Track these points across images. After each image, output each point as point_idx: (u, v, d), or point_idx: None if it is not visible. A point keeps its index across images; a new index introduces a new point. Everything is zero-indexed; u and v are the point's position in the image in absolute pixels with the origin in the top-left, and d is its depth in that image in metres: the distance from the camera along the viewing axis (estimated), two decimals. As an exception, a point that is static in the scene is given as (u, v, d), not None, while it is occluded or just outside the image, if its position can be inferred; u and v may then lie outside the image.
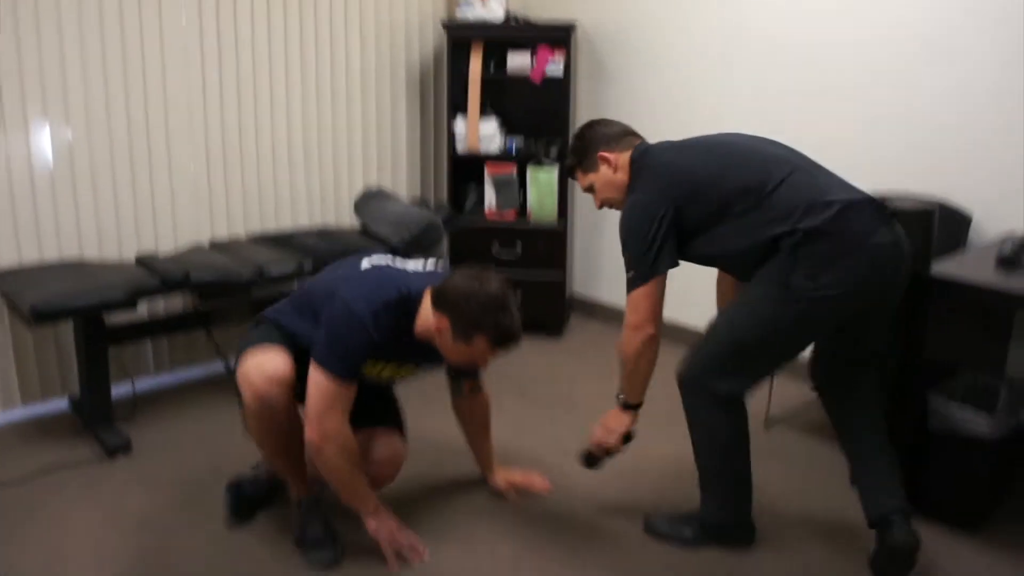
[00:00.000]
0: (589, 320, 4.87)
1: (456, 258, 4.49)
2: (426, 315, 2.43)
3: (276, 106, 4.06)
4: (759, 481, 2.72)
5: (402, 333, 2.46)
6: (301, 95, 4.14)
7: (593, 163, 2.68)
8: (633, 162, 2.62)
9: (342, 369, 2.37)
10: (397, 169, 4.57)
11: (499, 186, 4.40)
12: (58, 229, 3.50)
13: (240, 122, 3.95)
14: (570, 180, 4.44)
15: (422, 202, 4.23)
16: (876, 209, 2.38)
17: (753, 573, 2.58)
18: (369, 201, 4.06)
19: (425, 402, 3.20)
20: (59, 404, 3.61)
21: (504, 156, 4.46)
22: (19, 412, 3.53)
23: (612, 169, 2.65)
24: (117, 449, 3.21)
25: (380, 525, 2.58)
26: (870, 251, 2.33)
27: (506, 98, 4.60)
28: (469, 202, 4.52)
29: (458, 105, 4.44)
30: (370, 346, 2.39)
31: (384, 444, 2.67)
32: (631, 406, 2.68)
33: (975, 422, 2.70)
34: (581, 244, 4.85)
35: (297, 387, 2.47)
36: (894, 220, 2.42)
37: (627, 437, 2.75)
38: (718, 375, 2.49)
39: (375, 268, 2.53)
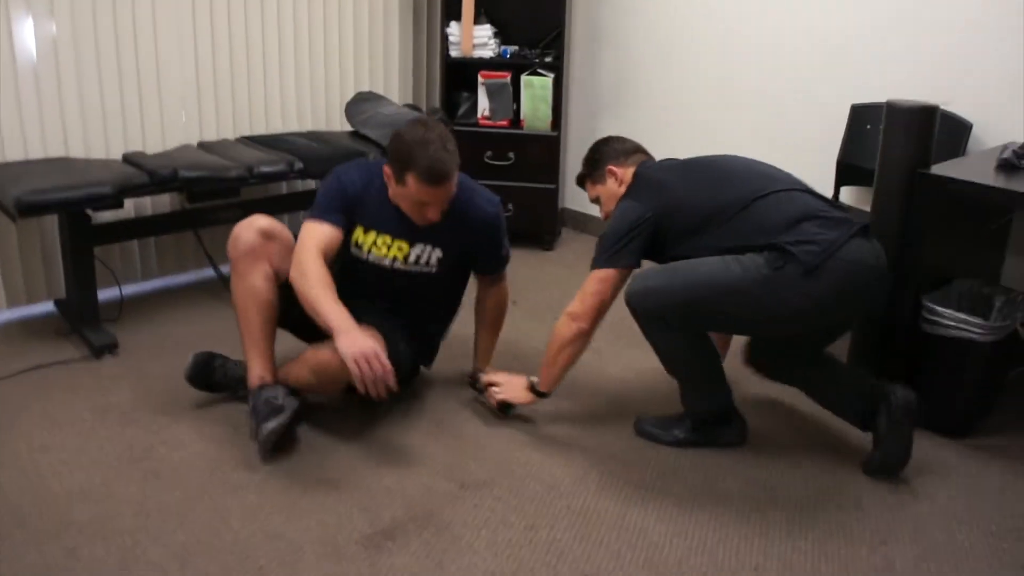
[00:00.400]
0: (580, 234, 4.84)
1: (448, 167, 4.42)
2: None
3: (267, 7, 3.95)
4: (746, 395, 2.74)
5: (376, 190, 2.71)
6: (291, -4, 4.04)
7: (602, 176, 2.81)
8: (635, 176, 2.74)
9: (313, 211, 2.67)
10: (389, 74, 4.48)
11: (492, 92, 4.32)
12: (43, 126, 3.41)
13: (230, 23, 3.85)
14: (564, 91, 4.39)
15: (414, 108, 4.16)
16: (861, 229, 2.47)
17: (745, 471, 2.60)
18: (360, 104, 3.99)
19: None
20: (45, 307, 3.57)
21: (498, 63, 4.37)
22: (3, 315, 3.50)
23: (618, 183, 2.77)
24: (104, 349, 3.19)
25: (347, 343, 2.38)
26: (851, 268, 2.41)
27: (501, 5, 4.49)
28: (462, 109, 4.44)
29: (452, 9, 4.34)
30: (340, 192, 2.70)
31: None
32: (540, 394, 2.75)
33: (970, 326, 2.69)
34: (574, 156, 4.79)
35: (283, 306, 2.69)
36: (874, 239, 2.53)
37: (507, 407, 2.84)
38: (667, 316, 2.50)
39: None
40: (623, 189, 2.74)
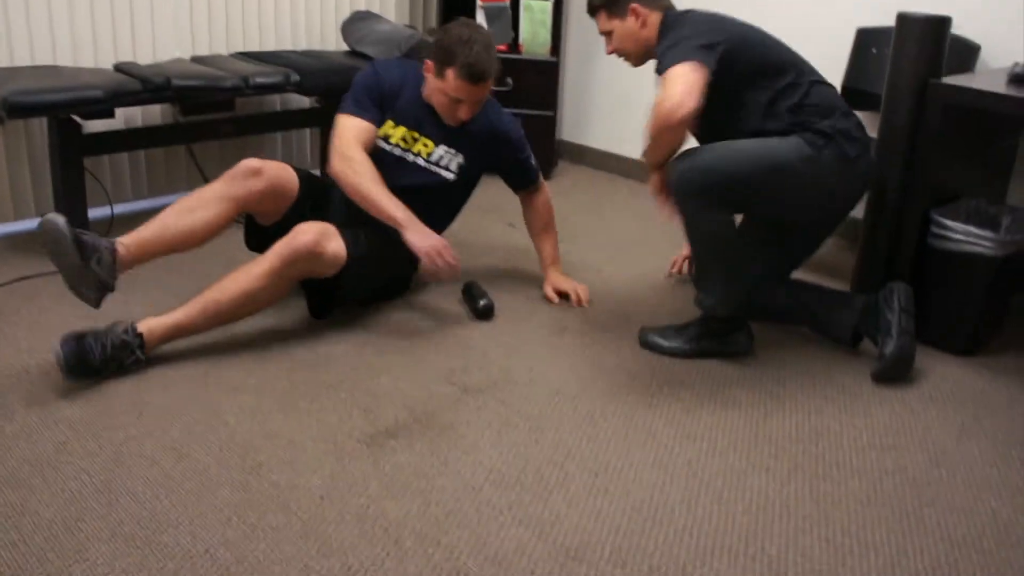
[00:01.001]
0: (576, 165, 4.77)
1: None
2: (426, 85, 2.78)
3: (259, -80, 3.84)
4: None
5: (410, 86, 2.80)
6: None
7: (623, 10, 2.65)
8: (666, 20, 2.61)
9: (350, 105, 2.73)
10: (385, -4, 4.38)
11: (491, 16, 4.23)
12: (30, 34, 3.30)
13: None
14: (563, 17, 4.31)
15: (411, 28, 4.06)
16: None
17: (753, 380, 2.57)
18: (357, 23, 3.90)
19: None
20: (32, 224, 3.48)
21: (497, -13, 4.28)
22: (-10, 230, 3.41)
23: (640, 24, 2.64)
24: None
25: (420, 238, 2.61)
26: (868, 167, 2.59)
27: (500, -72, 4.40)
28: (459, 34, 4.35)
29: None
30: (377, 85, 2.76)
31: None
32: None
33: (979, 239, 2.66)
34: (571, 85, 4.72)
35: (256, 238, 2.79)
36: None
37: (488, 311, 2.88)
38: (713, 193, 2.43)
39: None
40: (645, 32, 2.63)
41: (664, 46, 2.48)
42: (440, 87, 2.69)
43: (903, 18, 2.74)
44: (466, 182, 2.90)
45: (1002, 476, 2.17)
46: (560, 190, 4.30)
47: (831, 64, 3.60)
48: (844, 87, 3.56)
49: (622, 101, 4.52)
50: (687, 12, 2.63)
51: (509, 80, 4.24)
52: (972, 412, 2.47)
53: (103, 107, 2.99)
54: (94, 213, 3.34)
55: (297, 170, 2.76)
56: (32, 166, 3.42)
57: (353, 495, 1.97)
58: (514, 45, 4.36)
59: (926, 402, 2.50)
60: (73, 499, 1.91)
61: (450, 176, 2.82)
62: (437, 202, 2.86)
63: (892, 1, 3.42)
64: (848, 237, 3.66)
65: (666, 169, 2.49)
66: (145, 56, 3.60)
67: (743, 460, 2.19)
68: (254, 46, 3.92)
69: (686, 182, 2.42)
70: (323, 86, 3.51)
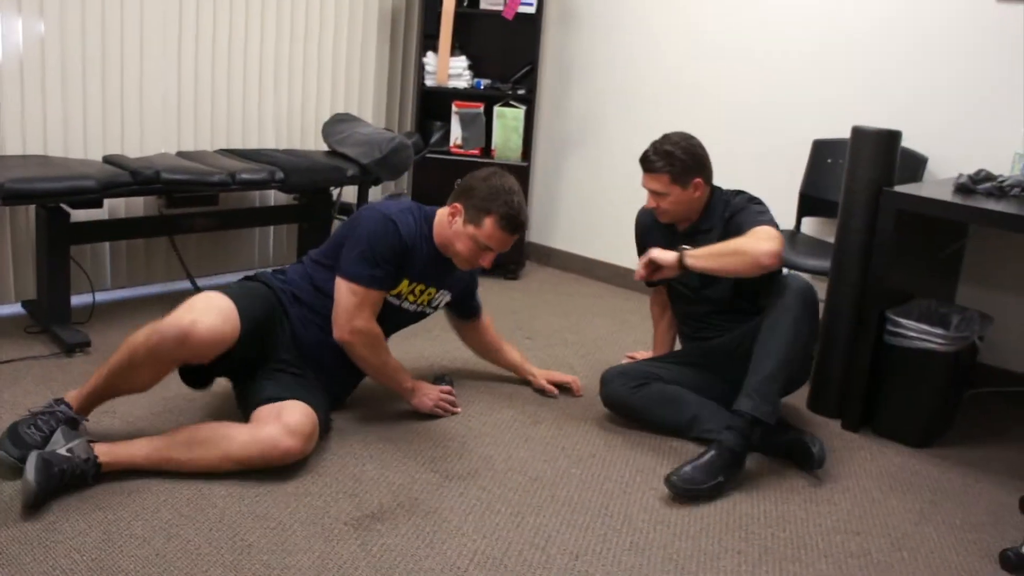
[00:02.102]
0: (543, 267, 4.92)
1: (419, 191, 4.50)
2: (442, 219, 2.73)
3: (251, 28, 4.01)
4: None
5: (424, 240, 2.72)
6: (276, 18, 4.10)
7: (687, 181, 2.80)
8: (717, 193, 2.89)
9: (371, 278, 2.62)
10: (364, 99, 4.56)
11: (466, 122, 4.43)
12: (24, 124, 3.42)
13: (214, 40, 3.91)
14: (534, 124, 4.50)
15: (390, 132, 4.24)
16: None
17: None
18: (337, 124, 4.06)
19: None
20: (11, 309, 3.52)
21: (471, 94, 4.48)
22: (-30, 315, 3.45)
23: (697, 195, 2.84)
24: (75, 346, 3.16)
25: (420, 397, 2.85)
26: None
27: (475, 38, 4.63)
28: (435, 137, 4.53)
29: (429, 39, 4.46)
30: (400, 245, 2.63)
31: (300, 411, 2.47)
32: (681, 254, 2.70)
33: (932, 336, 2.82)
34: (539, 191, 4.90)
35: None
36: None
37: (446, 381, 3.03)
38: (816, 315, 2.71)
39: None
40: (698, 202, 2.85)
41: (754, 211, 2.77)
42: (472, 233, 2.65)
43: (857, 132, 2.96)
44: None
45: (960, 559, 2.29)
46: (528, 290, 4.44)
47: (790, 173, 3.84)
48: (802, 194, 3.78)
49: (588, 205, 4.71)
50: (733, 193, 2.89)
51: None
52: (930, 499, 2.59)
53: (94, 197, 3.08)
54: (73, 300, 3.39)
55: (242, 308, 2.46)
56: (15, 252, 3.49)
57: None
58: (487, 149, 4.54)
59: (886, 491, 2.63)
60: (67, 576, 1.94)
61: (431, 311, 2.91)
62: (411, 319, 2.92)
63: (846, 115, 3.66)
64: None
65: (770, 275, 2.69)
66: (132, 149, 3.72)
67: (715, 544, 2.28)
68: (237, 143, 4.06)
69: (811, 293, 2.63)
70: (306, 184, 3.64)
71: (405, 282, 2.73)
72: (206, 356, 2.41)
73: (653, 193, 2.84)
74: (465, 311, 3.10)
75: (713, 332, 2.92)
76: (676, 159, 2.78)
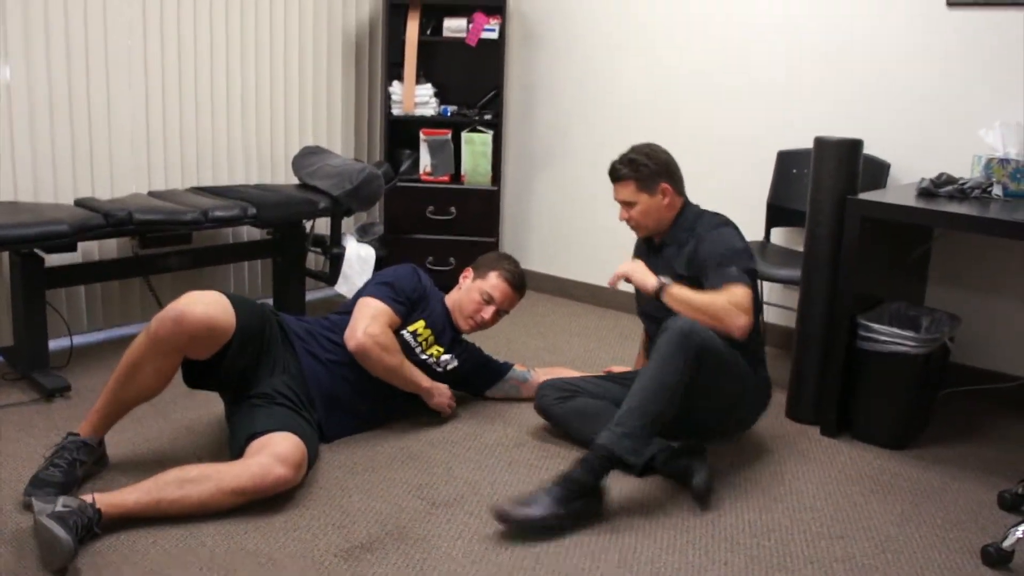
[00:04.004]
0: (519, 288, 4.94)
1: (391, 220, 4.52)
2: (453, 292, 3.14)
3: (216, 63, 4.03)
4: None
5: (439, 300, 3.09)
6: (240, 54, 4.12)
7: (653, 187, 2.83)
8: (689, 206, 2.91)
9: (390, 299, 2.92)
10: (332, 131, 4.58)
11: (434, 149, 4.46)
12: (-7, 171, 3.43)
13: (180, 78, 3.92)
14: (503, 148, 4.54)
15: (359, 162, 4.26)
16: None
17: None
18: (307, 157, 4.07)
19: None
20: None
21: (439, 121, 4.52)
22: (-55, 364, 3.42)
23: (666, 203, 2.85)
24: (55, 391, 3.14)
25: (439, 397, 3.03)
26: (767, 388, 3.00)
27: (440, 66, 4.66)
28: (404, 165, 4.56)
29: (394, 68, 4.49)
30: (419, 288, 3.02)
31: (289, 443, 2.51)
32: (660, 286, 2.67)
33: (903, 339, 2.87)
34: (510, 212, 4.93)
35: (193, 374, 2.68)
36: None
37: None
38: (698, 360, 2.60)
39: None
40: (668, 212, 2.86)
41: (723, 250, 2.72)
42: (478, 286, 3.07)
43: (820, 142, 3.02)
44: (443, 379, 3.08)
45: (943, 557, 2.33)
46: (505, 309, 4.47)
47: (757, 185, 3.90)
48: (770, 204, 3.84)
49: (559, 225, 4.76)
50: (708, 212, 2.90)
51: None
52: (911, 500, 2.64)
53: (68, 241, 3.08)
54: (51, 344, 3.38)
55: (237, 306, 2.59)
56: (-11, 299, 3.48)
57: (336, 606, 2.04)
58: (456, 175, 4.58)
59: (867, 494, 2.67)
60: (60, 623, 1.94)
61: (439, 370, 3.05)
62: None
63: (809, 126, 3.72)
64: (782, 346, 3.87)
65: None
66: (104, 191, 3.72)
67: (702, 556, 2.31)
68: (208, 180, 4.07)
69: (683, 335, 2.50)
70: (279, 218, 3.66)
71: (422, 323, 3.00)
72: (203, 343, 2.53)
73: (623, 204, 2.87)
74: (494, 372, 3.26)
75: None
76: (640, 165, 2.82)
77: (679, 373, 2.48)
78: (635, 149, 2.87)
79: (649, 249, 2.98)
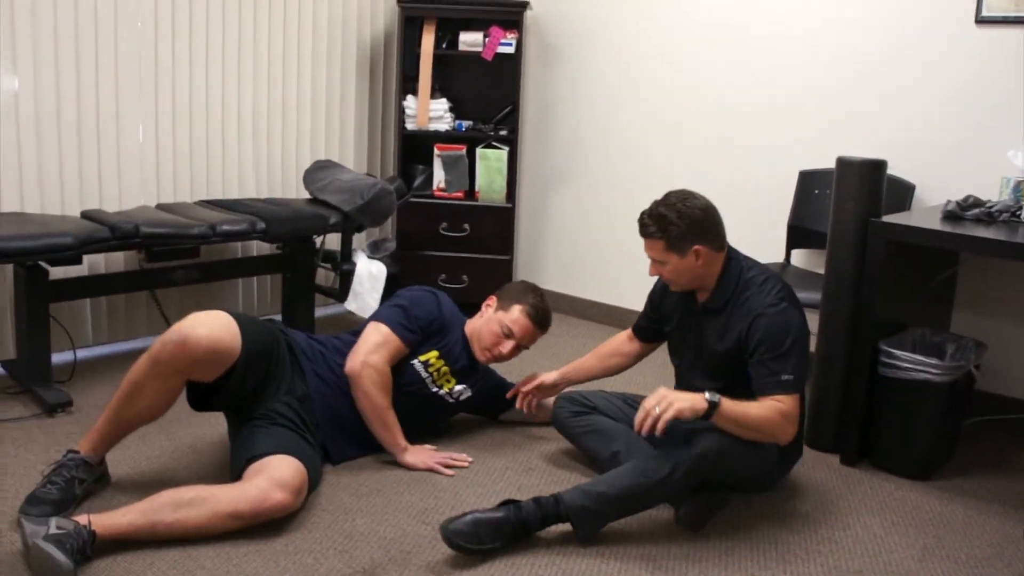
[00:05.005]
0: (532, 306, 4.87)
1: (403, 237, 4.46)
2: (475, 319, 2.99)
3: (227, 76, 4.00)
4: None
5: (459, 327, 2.97)
6: (253, 66, 4.08)
7: (685, 249, 2.53)
8: (733, 263, 2.62)
9: (400, 326, 2.81)
10: (345, 145, 4.53)
11: (448, 164, 4.40)
12: (-1, 181, 3.39)
13: (191, 90, 3.88)
14: (518, 165, 4.49)
15: (372, 176, 4.21)
16: None
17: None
18: (319, 171, 4.03)
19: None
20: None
21: (453, 136, 4.46)
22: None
23: (700, 263, 2.55)
24: (57, 406, 3.09)
25: (415, 456, 2.81)
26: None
27: (455, 80, 4.61)
28: (417, 180, 4.50)
29: (409, 82, 4.44)
30: (438, 318, 2.89)
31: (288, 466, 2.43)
32: (713, 404, 2.31)
33: (926, 367, 2.78)
34: (526, 230, 4.87)
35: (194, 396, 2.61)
36: None
37: None
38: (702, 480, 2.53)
39: None
40: (704, 270, 2.57)
41: (782, 341, 2.47)
42: (499, 318, 2.92)
43: (842, 162, 2.94)
44: (456, 408, 3.03)
45: (969, 597, 2.23)
46: (518, 329, 4.40)
47: (778, 205, 3.82)
48: (791, 226, 3.76)
49: (574, 244, 4.69)
50: (757, 271, 2.62)
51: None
52: (933, 534, 2.54)
53: (73, 254, 3.03)
54: (54, 358, 3.33)
55: (244, 327, 2.51)
56: (-7, 311, 3.44)
57: (334, 637, 1.96)
58: (470, 192, 4.52)
59: (888, 526, 2.57)
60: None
61: (451, 401, 2.98)
62: (429, 410, 2.97)
63: (831, 145, 3.64)
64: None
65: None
66: (111, 203, 3.68)
67: (718, 589, 2.22)
68: (217, 194, 4.03)
69: (717, 466, 2.40)
70: (288, 233, 3.60)
71: (435, 353, 2.89)
72: (207, 367, 2.44)
73: (653, 260, 2.61)
74: (497, 408, 3.19)
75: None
76: (670, 224, 2.50)
77: (680, 487, 2.42)
78: (667, 201, 2.54)
79: (689, 310, 2.73)
